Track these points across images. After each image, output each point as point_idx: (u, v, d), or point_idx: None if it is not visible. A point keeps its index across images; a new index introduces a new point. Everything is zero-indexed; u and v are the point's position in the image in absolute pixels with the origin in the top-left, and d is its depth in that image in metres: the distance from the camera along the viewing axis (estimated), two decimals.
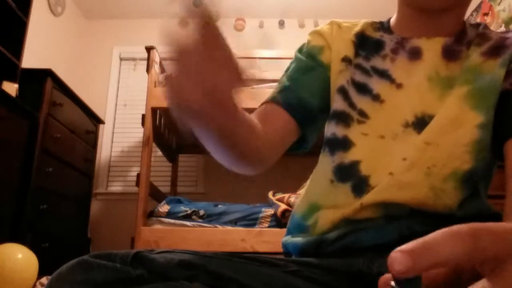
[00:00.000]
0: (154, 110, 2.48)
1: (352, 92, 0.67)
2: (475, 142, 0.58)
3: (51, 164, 2.44)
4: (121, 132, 3.68)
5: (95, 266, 0.45)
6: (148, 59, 2.58)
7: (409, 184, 0.57)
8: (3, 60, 2.27)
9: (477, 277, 0.24)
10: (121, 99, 3.77)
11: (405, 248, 0.22)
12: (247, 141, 0.56)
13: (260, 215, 2.28)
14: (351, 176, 0.61)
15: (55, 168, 2.47)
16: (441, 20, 0.67)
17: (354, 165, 0.62)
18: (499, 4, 2.79)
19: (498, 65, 0.61)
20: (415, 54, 0.66)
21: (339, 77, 0.68)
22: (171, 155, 3.33)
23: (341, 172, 0.63)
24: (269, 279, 0.51)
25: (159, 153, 3.32)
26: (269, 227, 2.23)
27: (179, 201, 2.50)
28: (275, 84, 2.79)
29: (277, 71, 2.72)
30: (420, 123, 0.61)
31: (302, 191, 0.72)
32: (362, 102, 0.66)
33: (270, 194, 2.49)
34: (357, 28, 0.73)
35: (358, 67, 0.69)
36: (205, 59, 0.39)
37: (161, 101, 2.47)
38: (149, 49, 2.58)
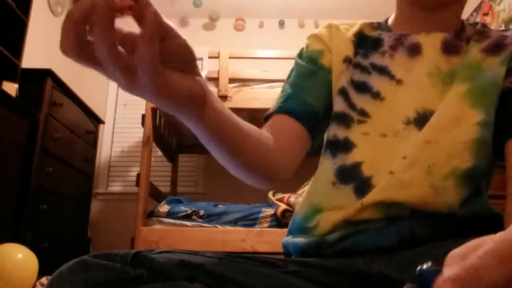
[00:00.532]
0: (154, 110, 2.48)
1: (352, 93, 0.67)
2: (475, 140, 0.58)
3: (51, 164, 2.44)
4: (121, 132, 3.68)
5: (95, 266, 0.45)
6: None
7: (410, 182, 0.57)
8: (3, 60, 2.27)
9: None
10: (121, 99, 3.76)
11: (453, 276, 0.22)
12: (256, 151, 0.56)
13: (260, 215, 2.28)
14: (354, 178, 0.61)
15: (55, 168, 2.47)
16: (439, 17, 0.67)
17: (356, 166, 0.62)
18: (499, 4, 2.79)
19: (498, 63, 0.61)
20: (415, 50, 0.66)
21: (340, 78, 0.68)
22: (171, 155, 3.33)
23: (343, 174, 0.62)
24: (269, 279, 0.51)
25: (159, 153, 3.32)
26: (269, 227, 2.23)
27: (179, 201, 2.50)
28: (275, 84, 2.78)
29: (277, 71, 2.72)
30: (422, 119, 0.61)
31: (303, 192, 0.72)
32: (362, 101, 0.65)
33: (270, 194, 2.49)
34: (355, 29, 0.73)
35: (357, 65, 0.69)
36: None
37: None
38: None
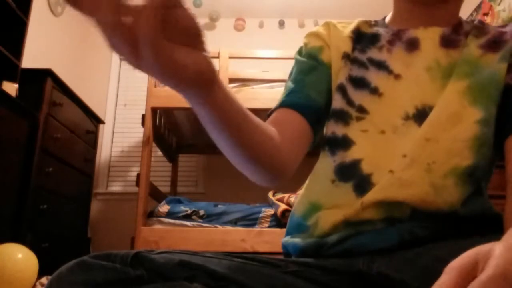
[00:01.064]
0: (154, 110, 2.48)
1: (350, 89, 0.66)
2: (475, 138, 0.57)
3: (51, 164, 2.44)
4: (121, 132, 3.68)
5: (95, 267, 0.45)
6: None
7: (410, 181, 0.57)
8: (3, 60, 2.27)
9: None
10: (121, 99, 3.76)
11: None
12: (264, 144, 0.55)
13: (260, 215, 2.28)
14: (353, 176, 0.61)
15: (55, 168, 2.47)
16: (438, 13, 0.67)
17: (355, 164, 0.61)
18: (499, 4, 2.79)
19: (498, 59, 0.61)
20: (413, 45, 0.66)
21: (339, 75, 0.68)
22: (171, 155, 3.33)
23: (343, 172, 0.62)
24: (269, 279, 0.51)
25: (159, 153, 3.32)
26: (269, 227, 2.23)
27: (179, 201, 2.51)
28: (275, 84, 2.77)
29: (277, 71, 2.72)
30: (421, 115, 0.60)
31: (301, 191, 0.71)
32: (360, 97, 0.65)
33: (270, 194, 2.49)
34: (352, 26, 0.73)
35: (355, 61, 0.68)
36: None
37: (161, 101, 2.47)
38: None
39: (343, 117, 0.65)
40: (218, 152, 0.61)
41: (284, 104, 0.67)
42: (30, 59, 2.79)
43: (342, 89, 0.66)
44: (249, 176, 0.60)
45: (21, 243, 1.87)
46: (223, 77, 2.50)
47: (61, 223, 2.60)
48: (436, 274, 0.47)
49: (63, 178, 2.62)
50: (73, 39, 3.73)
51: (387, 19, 0.74)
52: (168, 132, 3.00)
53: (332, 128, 0.66)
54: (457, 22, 0.68)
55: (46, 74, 2.45)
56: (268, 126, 0.59)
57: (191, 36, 0.38)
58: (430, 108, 0.60)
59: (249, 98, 2.45)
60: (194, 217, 2.28)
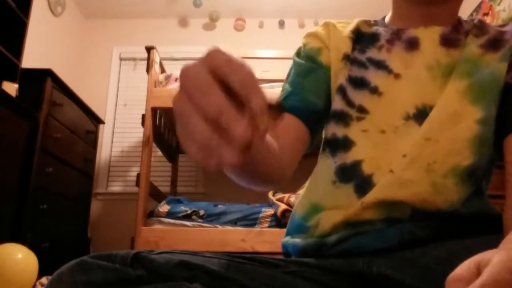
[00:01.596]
0: (154, 110, 2.48)
1: (350, 90, 0.66)
2: (475, 137, 0.57)
3: (51, 164, 2.44)
4: (121, 132, 3.68)
5: (95, 267, 0.45)
6: (148, 59, 2.58)
7: (410, 181, 0.56)
8: (3, 60, 2.27)
9: None
10: (121, 99, 3.76)
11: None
12: (269, 165, 0.54)
13: (260, 215, 2.28)
14: (354, 177, 0.61)
15: (55, 168, 2.47)
16: (437, 12, 0.67)
17: (356, 165, 0.61)
18: (499, 4, 2.79)
19: (498, 59, 0.61)
20: (412, 44, 0.66)
21: (339, 76, 0.67)
22: (171, 155, 3.33)
23: (343, 173, 0.62)
24: (269, 279, 0.51)
25: (159, 153, 3.32)
26: (269, 227, 2.22)
27: (179, 201, 2.50)
28: (275, 84, 2.77)
29: (277, 71, 2.72)
30: (422, 114, 0.60)
31: (301, 192, 0.71)
32: (360, 97, 0.65)
33: (270, 194, 2.49)
34: (352, 25, 0.72)
35: (354, 61, 0.68)
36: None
37: (161, 101, 2.47)
38: (149, 49, 2.58)
39: (343, 118, 0.65)
40: None
41: (283, 108, 0.67)
42: (30, 59, 2.79)
43: (342, 90, 0.66)
44: (245, 185, 0.59)
45: (21, 243, 1.87)
46: None
47: (61, 223, 2.60)
48: (436, 274, 0.47)
49: (63, 178, 2.62)
50: (73, 39, 3.73)
51: (387, 19, 0.74)
52: (168, 132, 3.00)
53: (332, 130, 0.65)
54: (456, 22, 0.68)
55: (46, 74, 2.45)
56: (272, 141, 0.56)
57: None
58: (431, 108, 0.60)
59: None
60: (194, 217, 2.28)
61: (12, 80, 2.27)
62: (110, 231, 3.34)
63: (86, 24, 3.92)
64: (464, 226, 0.56)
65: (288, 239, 0.67)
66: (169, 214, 2.30)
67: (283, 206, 2.20)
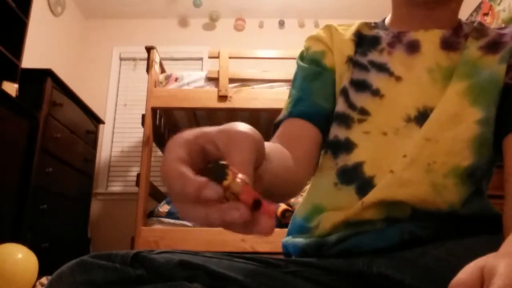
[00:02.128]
0: (154, 110, 2.48)
1: (352, 92, 0.66)
2: (475, 138, 0.58)
3: (51, 164, 2.44)
4: (121, 132, 3.68)
5: (95, 267, 0.45)
6: (148, 59, 2.58)
7: (410, 181, 0.57)
8: (3, 60, 2.27)
9: None
10: (121, 99, 3.77)
11: None
12: (283, 185, 0.53)
13: None
14: (356, 178, 0.61)
15: (55, 168, 2.47)
16: (436, 15, 0.67)
17: (358, 166, 0.61)
18: (499, 4, 2.79)
19: (497, 61, 0.61)
20: (413, 47, 0.66)
21: (342, 78, 0.68)
22: None
23: (345, 175, 0.62)
24: (269, 279, 0.51)
25: (159, 153, 3.32)
26: None
27: None
28: (275, 84, 2.76)
29: (277, 71, 2.72)
30: (423, 117, 0.60)
31: (303, 192, 0.71)
32: (361, 99, 0.65)
33: None
34: (353, 28, 0.72)
35: (356, 64, 0.68)
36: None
37: (161, 101, 2.47)
38: (149, 49, 2.58)
39: (345, 120, 0.65)
40: None
41: (293, 114, 0.66)
42: (30, 59, 2.79)
43: (344, 93, 0.66)
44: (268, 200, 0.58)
45: (21, 243, 1.87)
46: (223, 77, 2.50)
47: (61, 223, 2.60)
48: (436, 274, 0.47)
49: (63, 178, 2.62)
50: (73, 39, 3.73)
51: (387, 21, 0.74)
52: (168, 132, 3.00)
53: (334, 132, 0.66)
54: (456, 24, 0.69)
55: (46, 74, 2.45)
56: (284, 154, 0.55)
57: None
58: (431, 110, 0.60)
59: (249, 98, 2.45)
60: None
61: (12, 80, 2.27)
62: (110, 231, 3.34)
63: (86, 24, 3.92)
64: (464, 226, 0.56)
65: (288, 239, 0.67)
66: (169, 214, 2.30)
67: (283, 206, 2.21)
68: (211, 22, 3.90)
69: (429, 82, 0.62)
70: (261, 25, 3.92)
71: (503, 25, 2.70)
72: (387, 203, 0.57)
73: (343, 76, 0.68)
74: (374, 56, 0.68)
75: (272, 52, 2.86)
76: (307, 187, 0.71)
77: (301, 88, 0.69)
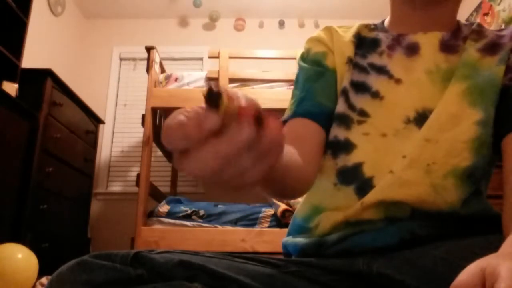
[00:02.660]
0: (154, 110, 2.48)
1: (352, 93, 0.67)
2: (474, 139, 0.58)
3: (51, 164, 2.44)
4: (121, 132, 3.68)
5: (95, 266, 0.45)
6: (148, 59, 2.58)
7: (409, 181, 0.57)
8: (3, 60, 2.27)
9: None
10: (121, 99, 3.76)
11: None
12: (295, 178, 0.54)
13: (260, 215, 2.28)
14: (355, 179, 0.61)
15: (55, 168, 2.47)
16: (434, 16, 0.67)
17: (357, 167, 0.62)
18: (499, 4, 2.79)
19: (496, 62, 0.61)
20: (412, 50, 0.66)
21: (343, 79, 0.68)
22: (171, 155, 3.32)
23: (344, 175, 0.62)
24: (269, 279, 0.51)
25: (159, 153, 3.32)
26: (269, 227, 2.23)
27: (179, 201, 2.51)
28: (275, 84, 2.76)
29: (277, 71, 2.72)
30: (422, 118, 0.61)
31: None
32: (361, 101, 0.65)
33: None
34: (353, 30, 0.73)
35: (356, 66, 0.69)
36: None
37: (161, 101, 2.47)
38: (149, 49, 2.58)
39: (345, 121, 0.65)
40: None
41: (297, 114, 0.66)
42: (30, 59, 2.79)
43: (345, 93, 0.67)
44: (277, 198, 0.58)
45: (21, 243, 1.87)
46: (223, 77, 2.50)
47: (61, 223, 2.60)
48: (436, 274, 0.47)
49: (63, 178, 2.62)
50: (73, 39, 3.73)
51: (386, 23, 0.74)
52: None
53: (334, 132, 0.66)
54: (455, 27, 0.69)
55: (46, 74, 2.45)
56: (294, 153, 0.55)
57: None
58: (430, 112, 0.60)
59: None
60: (194, 217, 2.28)
61: (12, 80, 2.27)
62: (110, 231, 3.34)
63: (86, 24, 3.92)
64: (463, 226, 0.56)
65: (288, 239, 0.68)
66: (169, 214, 2.30)
67: (283, 206, 2.21)
68: (211, 22, 3.90)
69: (428, 84, 0.63)
70: (261, 25, 3.92)
71: (503, 25, 2.70)
72: (387, 204, 0.57)
73: (343, 77, 0.68)
74: (374, 58, 0.68)
75: (272, 52, 2.86)
76: None
77: (304, 89, 0.69)
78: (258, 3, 3.76)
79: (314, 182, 0.64)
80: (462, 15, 3.16)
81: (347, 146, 0.64)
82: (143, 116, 2.47)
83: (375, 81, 0.66)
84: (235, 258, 0.54)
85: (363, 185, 0.60)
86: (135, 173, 2.61)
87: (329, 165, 0.65)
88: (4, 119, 2.04)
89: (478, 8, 3.04)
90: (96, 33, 3.91)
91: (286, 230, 0.71)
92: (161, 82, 2.61)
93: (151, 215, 2.32)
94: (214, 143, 0.27)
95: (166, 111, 2.72)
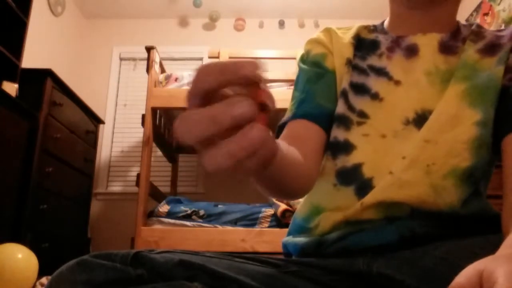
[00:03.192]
0: (154, 110, 2.48)
1: (351, 95, 0.67)
2: (474, 139, 0.58)
3: (51, 164, 2.44)
4: (121, 132, 3.68)
5: (95, 266, 0.45)
6: (148, 59, 2.58)
7: (409, 182, 0.57)
8: (3, 60, 2.27)
9: None
10: (121, 99, 3.77)
11: None
12: (295, 177, 0.53)
13: (260, 215, 2.28)
14: (354, 180, 0.61)
15: (55, 168, 2.47)
16: (433, 17, 0.67)
17: (357, 168, 0.62)
18: (499, 4, 2.79)
19: (495, 63, 0.61)
20: (412, 51, 0.66)
21: (342, 80, 0.68)
22: (171, 155, 3.33)
23: (344, 176, 0.63)
24: (269, 279, 0.51)
25: (159, 153, 3.32)
26: (269, 227, 2.23)
27: (179, 201, 2.51)
28: (275, 84, 2.77)
29: (277, 71, 2.72)
30: (421, 119, 0.61)
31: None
32: (361, 102, 0.66)
33: None
34: (352, 31, 0.73)
35: (355, 67, 0.69)
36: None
37: (161, 101, 2.47)
38: (149, 49, 2.58)
39: (344, 122, 0.65)
40: None
41: (298, 115, 0.66)
42: (30, 59, 2.80)
43: (344, 95, 0.67)
44: (277, 198, 0.58)
45: (21, 243, 1.87)
46: None
47: (61, 223, 2.60)
48: (436, 274, 0.47)
49: (63, 178, 2.62)
50: (73, 39, 3.73)
51: (386, 24, 0.74)
52: (168, 132, 3.00)
53: (334, 133, 0.66)
54: (455, 27, 0.69)
55: (46, 74, 2.45)
56: (294, 152, 0.55)
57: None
58: (430, 113, 0.61)
59: None
60: (194, 217, 2.28)
61: (12, 80, 2.27)
62: (110, 231, 3.34)
63: (86, 24, 3.92)
64: (463, 226, 0.56)
65: (288, 238, 0.68)
66: (169, 214, 2.30)
67: (283, 206, 2.21)
68: (211, 22, 3.90)
69: (427, 85, 0.63)
70: (261, 25, 3.92)
71: (503, 25, 2.70)
72: (387, 204, 0.57)
73: (343, 78, 0.68)
74: (373, 60, 0.68)
75: (272, 52, 2.86)
76: None
77: (304, 90, 0.69)
78: (258, 3, 3.76)
79: (314, 182, 0.64)
80: (462, 15, 3.16)
81: (346, 147, 0.64)
82: (143, 116, 2.47)
83: (374, 83, 0.66)
84: (235, 258, 0.54)
85: (363, 186, 0.60)
86: (135, 173, 2.61)
87: (329, 165, 0.66)
88: (4, 119, 2.04)
89: (478, 8, 3.04)
90: (96, 33, 3.92)
91: (286, 230, 0.71)
92: (161, 82, 2.61)
93: (151, 215, 2.32)
94: (236, 136, 0.26)
95: (166, 111, 2.72)
